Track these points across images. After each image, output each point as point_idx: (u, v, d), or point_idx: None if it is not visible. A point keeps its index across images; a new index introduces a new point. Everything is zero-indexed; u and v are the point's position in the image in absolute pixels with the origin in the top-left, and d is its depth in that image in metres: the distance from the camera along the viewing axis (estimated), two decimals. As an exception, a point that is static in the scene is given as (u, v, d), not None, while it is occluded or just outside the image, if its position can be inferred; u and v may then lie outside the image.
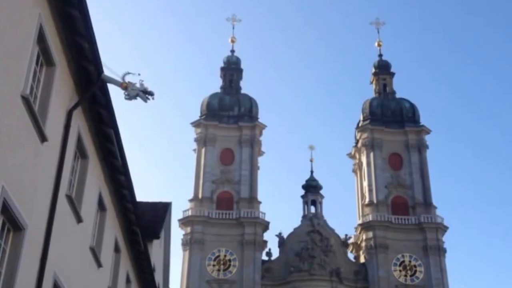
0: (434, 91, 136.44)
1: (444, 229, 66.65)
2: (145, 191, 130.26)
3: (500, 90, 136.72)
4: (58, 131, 11.05)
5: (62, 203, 11.41)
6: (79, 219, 12.39)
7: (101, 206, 14.46)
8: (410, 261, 65.04)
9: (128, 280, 18.39)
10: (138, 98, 11.92)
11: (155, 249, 24.44)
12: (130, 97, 11.87)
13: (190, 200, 68.09)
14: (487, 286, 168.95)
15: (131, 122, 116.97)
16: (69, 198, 11.78)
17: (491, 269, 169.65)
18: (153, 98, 12.07)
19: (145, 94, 11.93)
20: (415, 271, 64.53)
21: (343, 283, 63.36)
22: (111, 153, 13.71)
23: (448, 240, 73.50)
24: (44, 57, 10.28)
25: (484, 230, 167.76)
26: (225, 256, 64.84)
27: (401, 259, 65.16)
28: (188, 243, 65.27)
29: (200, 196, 67.76)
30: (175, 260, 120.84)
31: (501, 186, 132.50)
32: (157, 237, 24.19)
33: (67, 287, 11.87)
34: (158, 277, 26.00)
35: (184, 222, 66.56)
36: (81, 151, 12.62)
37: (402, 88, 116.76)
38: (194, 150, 71.83)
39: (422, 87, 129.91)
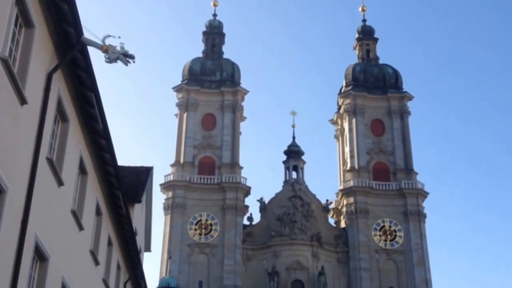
0: (417, 58, 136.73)
1: (425, 194, 67.59)
2: (126, 155, 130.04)
3: (483, 56, 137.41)
4: (38, 94, 10.95)
5: (43, 166, 11.39)
6: (60, 182, 12.38)
7: (82, 169, 14.44)
8: (390, 226, 66.04)
9: (109, 243, 18.50)
10: (119, 62, 11.82)
11: (136, 213, 24.55)
12: (110, 60, 11.77)
13: (172, 165, 68.19)
14: (465, 251, 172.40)
15: (112, 86, 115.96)
16: (49, 161, 11.75)
17: (470, 234, 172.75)
18: (133, 62, 11.99)
19: (125, 57, 11.82)
20: (395, 236, 65.59)
21: (323, 248, 64.28)
22: (92, 116, 13.64)
23: (428, 205, 74.65)
24: (23, 19, 10.12)
25: (464, 196, 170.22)
26: (206, 220, 65.32)
27: (381, 224, 66.14)
28: (169, 207, 65.59)
29: (181, 161, 67.86)
30: (157, 224, 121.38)
31: (482, 153, 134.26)
32: (139, 201, 24.28)
33: (48, 249, 11.93)
34: (140, 240, 26.19)
35: (165, 186, 66.74)
36: (61, 114, 12.54)
37: (385, 54, 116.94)
38: (176, 115, 71.60)
39: (405, 53, 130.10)
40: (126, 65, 11.87)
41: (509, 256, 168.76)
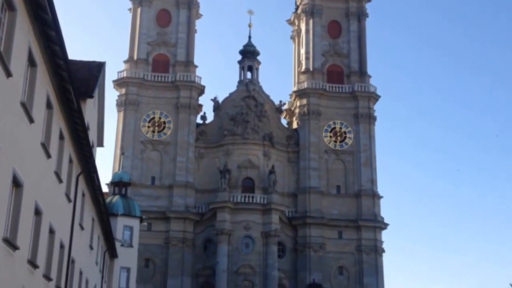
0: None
1: (376, 98, 68.84)
2: (78, 50, 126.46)
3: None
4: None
5: (-10, 56, 11.09)
6: (8, 73, 12.12)
7: (31, 61, 14.10)
8: (340, 128, 67.56)
9: (61, 137, 18.44)
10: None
11: (89, 108, 24.37)
12: None
13: (125, 62, 67.01)
14: (412, 153, 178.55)
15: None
16: (-3, 51, 11.43)
17: (416, 139, 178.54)
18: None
19: None
20: (345, 138, 67.28)
21: (274, 147, 65.61)
22: (41, 6, 13.16)
23: (379, 109, 76.17)
24: None
25: (414, 100, 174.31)
26: (160, 118, 65.31)
27: (332, 126, 67.56)
28: (122, 104, 65.11)
29: (135, 57, 66.68)
30: (110, 121, 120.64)
31: (436, 60, 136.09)
32: (91, 96, 24.03)
33: (-2, 141, 11.86)
34: (92, 135, 26.17)
35: (118, 83, 65.88)
36: (8, 3, 12.05)
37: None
38: (130, 9, 69.39)
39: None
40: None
41: (450, 164, 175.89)
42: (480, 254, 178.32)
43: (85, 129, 19.65)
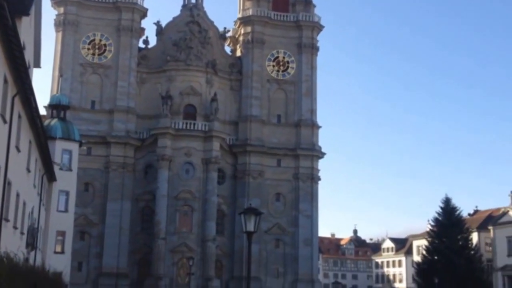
0: None
1: (320, 28, 68.98)
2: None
3: None
4: None
5: None
6: None
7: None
8: (284, 57, 67.74)
9: (-5, 56, 17.91)
10: None
11: (24, 26, 23.53)
12: None
13: (64, -21, 64.12)
14: (355, 82, 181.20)
15: None
16: None
17: (359, 66, 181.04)
18: None
19: None
20: (288, 67, 67.65)
21: (217, 75, 65.35)
22: None
23: (322, 39, 76.31)
24: None
25: (358, 30, 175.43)
26: (100, 40, 63.62)
27: (276, 55, 67.65)
28: (61, 24, 62.87)
29: (74, -25, 63.83)
30: (48, 41, 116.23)
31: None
32: (27, 14, 23.17)
33: None
34: (29, 55, 25.41)
35: (56, 1, 63.38)
36: None
37: None
38: None
39: None
40: None
41: (392, 85, 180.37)
42: (416, 175, 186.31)
43: (20, 48, 19.09)
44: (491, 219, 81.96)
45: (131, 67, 63.60)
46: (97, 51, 63.43)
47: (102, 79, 63.20)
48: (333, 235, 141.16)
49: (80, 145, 44.17)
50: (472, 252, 66.96)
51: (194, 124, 61.70)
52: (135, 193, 61.68)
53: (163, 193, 58.98)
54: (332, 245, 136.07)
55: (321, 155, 66.23)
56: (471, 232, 73.18)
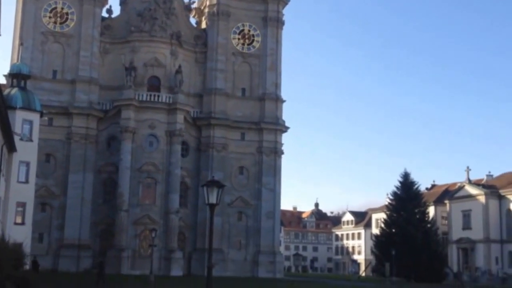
0: None
1: (286, 1, 68.94)
2: None
3: None
4: None
5: None
6: None
7: None
8: (249, 31, 67.58)
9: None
10: None
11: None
12: None
13: None
14: (321, 56, 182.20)
15: None
16: None
17: (325, 38, 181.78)
18: None
19: None
20: (253, 41, 67.56)
21: (182, 47, 64.88)
22: None
23: (287, 13, 76.33)
24: None
25: (325, 3, 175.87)
26: (62, 9, 62.34)
27: (241, 28, 67.43)
28: (21, -9, 61.28)
29: None
30: (8, 7, 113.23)
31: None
32: (-13, -18, 22.68)
33: None
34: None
35: (17, -32, 61.56)
36: None
37: None
38: None
39: None
40: None
41: (365, 57, 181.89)
42: (377, 149, 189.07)
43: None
44: (447, 194, 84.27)
45: (94, 36, 62.62)
46: (58, 19, 62.18)
47: (64, 48, 62.09)
48: (295, 208, 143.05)
49: (41, 116, 43.53)
50: (429, 225, 68.96)
51: (158, 96, 61.34)
52: (97, 164, 61.27)
53: (126, 165, 58.75)
54: (294, 218, 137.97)
55: (284, 129, 66.71)
56: (428, 206, 75.18)
